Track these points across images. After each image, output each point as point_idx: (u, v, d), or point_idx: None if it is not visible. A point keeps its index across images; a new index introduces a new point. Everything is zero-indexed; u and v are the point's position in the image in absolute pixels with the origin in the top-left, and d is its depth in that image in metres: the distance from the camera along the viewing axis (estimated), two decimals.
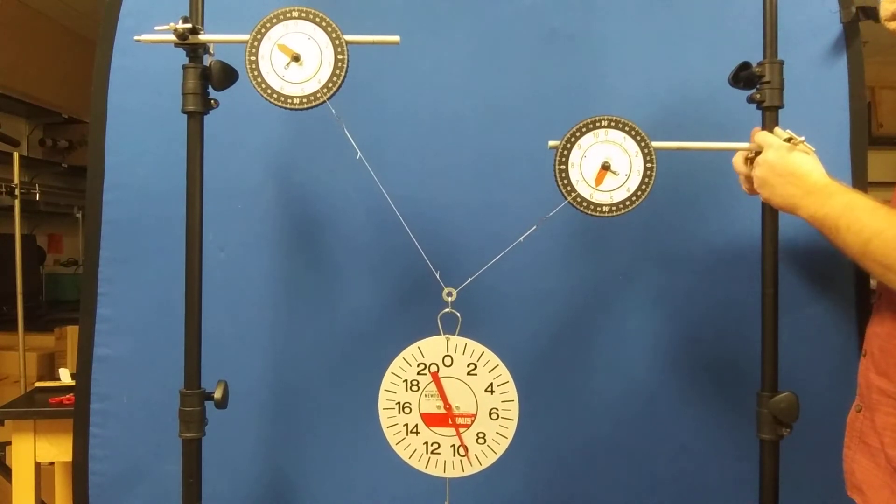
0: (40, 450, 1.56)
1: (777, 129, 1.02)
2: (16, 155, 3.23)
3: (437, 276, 1.07)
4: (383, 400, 1.07)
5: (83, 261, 1.31)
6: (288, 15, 1.00)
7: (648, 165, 1.03)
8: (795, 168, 0.97)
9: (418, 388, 1.06)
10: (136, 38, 1.01)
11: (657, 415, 1.29)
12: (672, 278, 1.29)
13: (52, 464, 1.71)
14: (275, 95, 1.00)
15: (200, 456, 1.04)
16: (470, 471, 1.07)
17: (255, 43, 0.99)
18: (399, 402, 1.07)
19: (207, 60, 1.02)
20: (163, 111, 1.23)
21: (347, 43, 1.00)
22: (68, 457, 1.34)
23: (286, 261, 1.30)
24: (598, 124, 1.04)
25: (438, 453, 1.07)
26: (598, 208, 1.04)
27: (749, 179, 1.08)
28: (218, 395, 1.03)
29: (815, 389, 1.23)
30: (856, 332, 1.27)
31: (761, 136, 1.02)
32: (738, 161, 1.11)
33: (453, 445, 1.06)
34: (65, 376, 1.75)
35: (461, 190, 1.29)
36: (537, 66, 1.30)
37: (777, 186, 0.99)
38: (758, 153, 1.03)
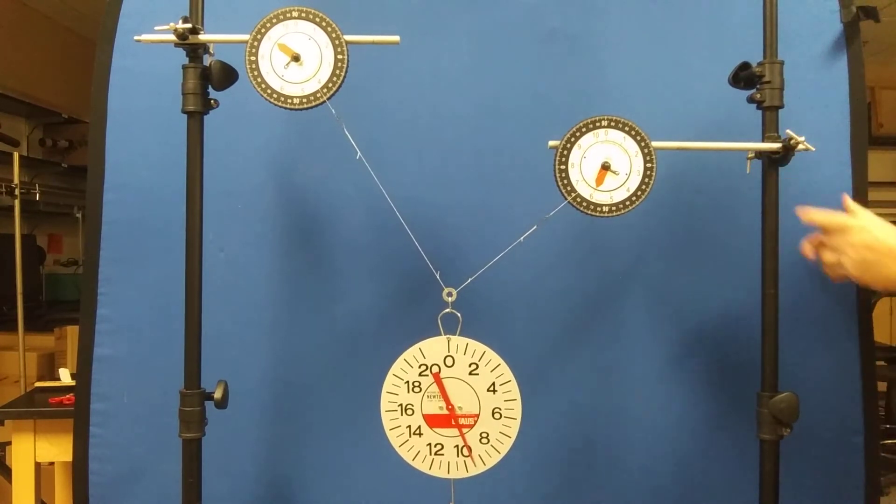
0: (40, 450, 1.56)
1: (788, 132, 1.02)
2: (16, 155, 3.23)
3: (438, 277, 1.07)
4: (385, 402, 1.07)
5: (83, 261, 1.31)
6: (288, 15, 1.00)
7: (648, 165, 1.03)
8: (893, 244, 0.95)
9: (420, 389, 1.06)
10: (136, 38, 1.01)
11: (658, 413, 1.29)
12: (672, 278, 1.29)
13: (52, 464, 1.71)
14: (275, 95, 1.00)
15: (200, 456, 1.03)
16: (474, 471, 1.07)
17: (255, 43, 0.99)
18: (401, 404, 1.07)
19: (207, 60, 1.02)
20: (163, 111, 1.23)
21: (347, 43, 1.00)
22: (68, 457, 1.34)
23: (286, 261, 1.30)
24: (598, 124, 1.04)
25: (442, 454, 1.07)
26: (598, 208, 1.04)
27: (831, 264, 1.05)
28: (218, 395, 1.03)
29: (815, 389, 1.23)
30: (856, 333, 1.27)
31: (839, 221, 1.00)
32: (808, 249, 1.08)
33: (457, 446, 1.06)
34: (65, 376, 1.75)
35: (461, 190, 1.29)
36: (537, 66, 1.30)
37: (881, 267, 0.96)
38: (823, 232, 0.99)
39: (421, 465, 1.07)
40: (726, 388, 1.28)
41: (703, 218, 1.29)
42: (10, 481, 1.58)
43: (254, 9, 1.05)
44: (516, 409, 1.06)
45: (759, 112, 1.05)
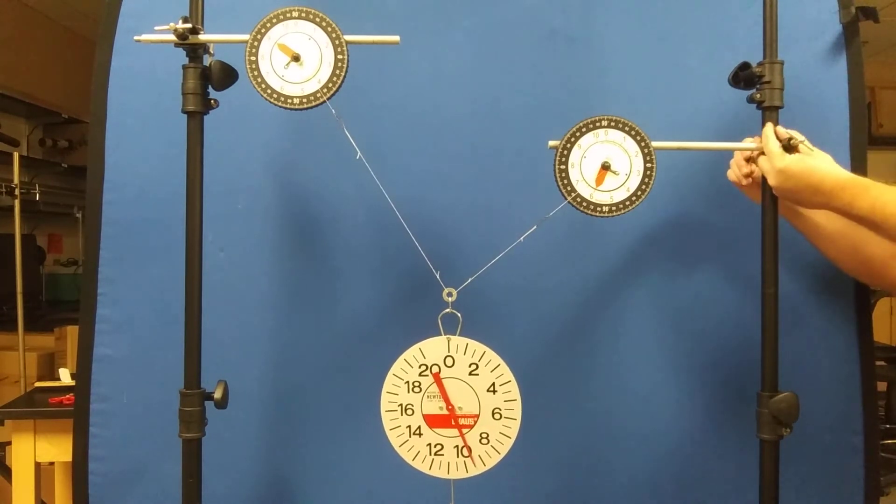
0: (40, 450, 1.56)
1: (779, 129, 1.02)
2: (16, 155, 3.23)
3: (438, 277, 1.07)
4: (385, 402, 1.07)
5: (83, 261, 1.31)
6: (288, 15, 1.00)
7: (648, 165, 1.03)
8: (805, 178, 1.00)
9: (420, 389, 1.06)
10: (136, 38, 1.01)
11: (658, 414, 1.29)
12: (672, 278, 1.29)
13: (52, 464, 1.71)
14: (275, 95, 1.00)
15: (200, 456, 1.03)
16: (474, 471, 1.07)
17: (255, 43, 0.99)
18: (401, 404, 1.06)
19: (207, 60, 1.02)
20: (163, 111, 1.23)
21: (347, 43, 1.00)
22: (68, 457, 1.34)
23: (286, 261, 1.30)
24: (598, 124, 1.04)
25: (442, 454, 1.07)
26: (598, 208, 1.04)
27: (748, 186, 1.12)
28: (218, 395, 1.03)
29: (815, 389, 1.23)
30: (855, 332, 1.27)
31: (763, 141, 1.03)
32: (734, 173, 1.14)
33: (457, 446, 1.06)
34: (65, 376, 1.75)
35: (461, 190, 1.29)
36: (537, 67, 1.30)
37: (801, 193, 1.01)
38: (761, 153, 1.04)
39: (421, 466, 1.07)
40: (726, 388, 1.28)
41: (702, 218, 1.29)
42: (10, 481, 1.59)
43: (254, 9, 1.05)
44: (516, 410, 1.06)
45: (759, 112, 1.05)
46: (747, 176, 1.12)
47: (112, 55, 1.29)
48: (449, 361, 1.06)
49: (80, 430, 1.29)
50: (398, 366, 1.06)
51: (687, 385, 1.29)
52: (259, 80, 0.99)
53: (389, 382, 1.06)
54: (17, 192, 3.15)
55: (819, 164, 1.00)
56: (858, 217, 0.98)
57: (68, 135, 4.38)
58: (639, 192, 1.04)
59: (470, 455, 1.06)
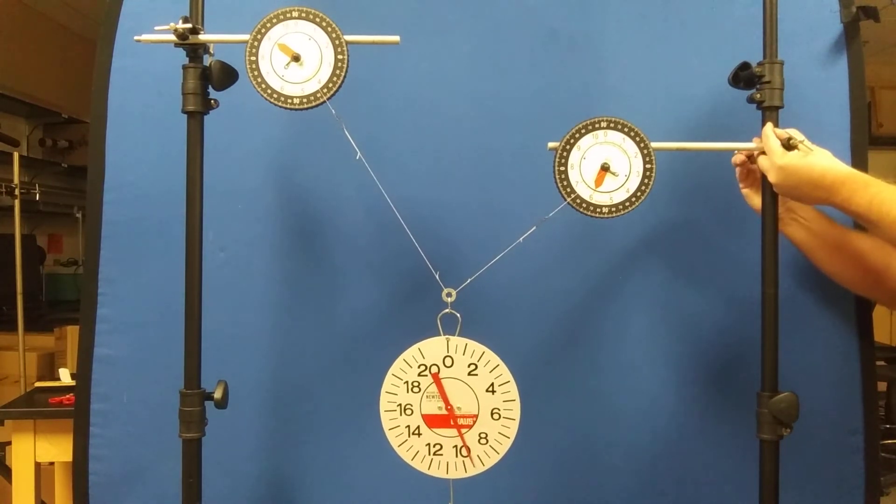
0: (40, 450, 1.56)
1: (777, 130, 1.02)
2: (16, 155, 3.24)
3: (437, 277, 1.07)
4: (384, 402, 1.07)
5: (83, 261, 1.31)
6: (288, 15, 1.00)
7: (648, 166, 1.03)
8: (805, 174, 0.99)
9: (419, 389, 1.06)
10: (136, 38, 1.01)
11: (657, 414, 1.29)
12: (672, 278, 1.29)
13: (52, 464, 1.71)
14: (275, 95, 1.00)
15: (200, 456, 1.04)
16: (473, 471, 1.07)
17: (256, 43, 0.99)
18: (400, 404, 1.07)
19: (207, 60, 1.02)
20: (163, 111, 1.23)
21: (347, 43, 1.00)
22: (68, 457, 1.34)
23: (286, 261, 1.30)
24: (597, 125, 1.04)
25: (441, 454, 1.07)
26: (598, 209, 1.04)
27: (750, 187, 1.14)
28: (218, 395, 1.03)
29: (815, 389, 1.23)
30: (855, 332, 1.27)
31: (763, 140, 1.03)
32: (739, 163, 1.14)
33: (455, 446, 1.06)
34: (65, 376, 1.75)
35: (461, 190, 1.29)
36: (537, 67, 1.30)
37: (802, 188, 1.01)
38: (762, 152, 1.04)
39: (420, 465, 1.07)
40: (726, 388, 1.28)
41: (702, 218, 1.29)
42: (10, 481, 1.59)
43: (254, 9, 1.05)
44: (515, 410, 1.06)
45: (759, 112, 1.05)
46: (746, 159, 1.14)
47: (112, 55, 1.29)
48: (448, 362, 1.06)
49: (80, 430, 1.29)
50: (397, 366, 1.06)
51: (687, 385, 1.29)
52: (259, 80, 0.99)
53: (389, 382, 1.07)
54: (17, 192, 3.16)
55: (819, 160, 1.00)
56: (856, 213, 0.98)
57: (68, 135, 4.38)
58: (638, 193, 1.04)
59: (469, 455, 1.06)
